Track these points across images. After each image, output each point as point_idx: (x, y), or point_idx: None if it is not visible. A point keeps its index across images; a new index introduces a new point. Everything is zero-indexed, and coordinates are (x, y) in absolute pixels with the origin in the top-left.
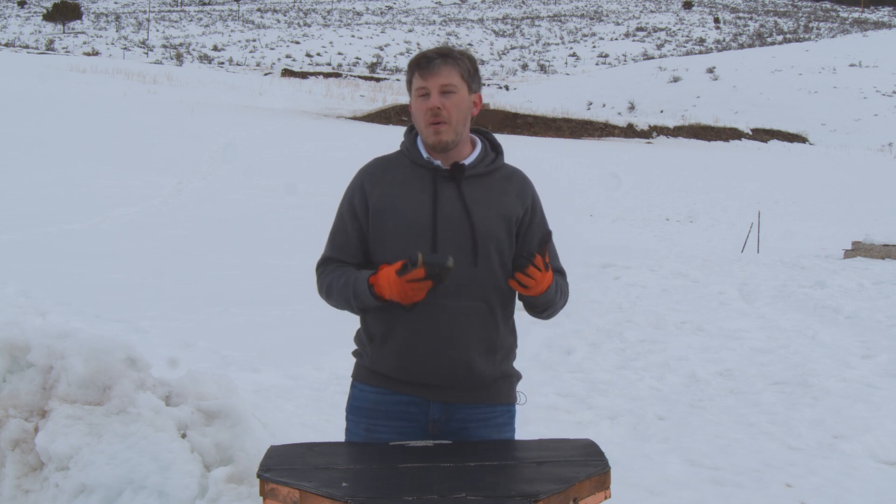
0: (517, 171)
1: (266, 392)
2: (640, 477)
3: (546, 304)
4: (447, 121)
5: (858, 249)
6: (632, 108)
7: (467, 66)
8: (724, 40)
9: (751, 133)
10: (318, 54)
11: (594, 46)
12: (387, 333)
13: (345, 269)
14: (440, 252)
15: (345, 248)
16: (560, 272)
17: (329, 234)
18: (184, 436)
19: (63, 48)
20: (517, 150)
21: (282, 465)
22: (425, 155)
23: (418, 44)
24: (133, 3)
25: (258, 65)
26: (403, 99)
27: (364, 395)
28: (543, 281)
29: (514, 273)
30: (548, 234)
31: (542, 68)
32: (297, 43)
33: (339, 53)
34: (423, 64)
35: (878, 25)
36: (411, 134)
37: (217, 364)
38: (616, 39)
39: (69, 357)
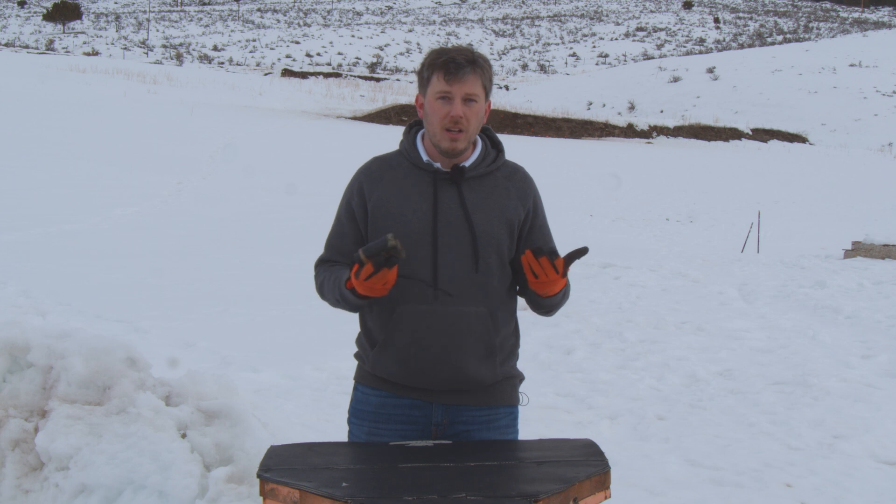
0: (518, 168)
1: (266, 392)
2: (640, 477)
3: (552, 305)
4: (465, 129)
5: (858, 249)
6: (632, 108)
7: (489, 75)
8: (724, 40)
9: (751, 133)
10: (318, 54)
11: (594, 46)
12: (387, 340)
13: (335, 268)
14: (441, 256)
15: (342, 251)
16: None
17: (328, 235)
18: (184, 436)
19: (63, 48)
20: (517, 150)
21: (282, 465)
22: (425, 158)
23: (418, 44)
24: (133, 3)
25: (258, 65)
26: (403, 99)
27: (366, 399)
28: (557, 283)
29: (533, 256)
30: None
31: (542, 68)
32: (297, 43)
33: (339, 53)
34: (450, 69)
35: (878, 25)
36: (410, 133)
37: (217, 364)
38: (616, 39)
39: (69, 357)
